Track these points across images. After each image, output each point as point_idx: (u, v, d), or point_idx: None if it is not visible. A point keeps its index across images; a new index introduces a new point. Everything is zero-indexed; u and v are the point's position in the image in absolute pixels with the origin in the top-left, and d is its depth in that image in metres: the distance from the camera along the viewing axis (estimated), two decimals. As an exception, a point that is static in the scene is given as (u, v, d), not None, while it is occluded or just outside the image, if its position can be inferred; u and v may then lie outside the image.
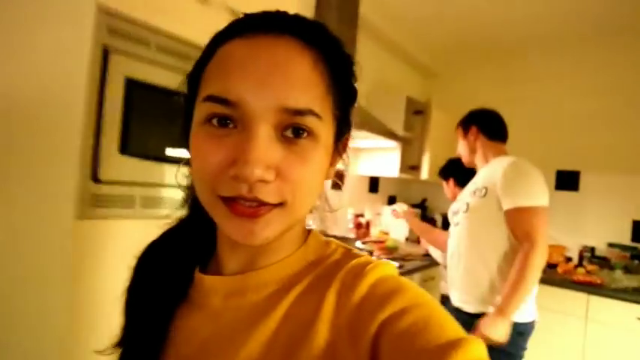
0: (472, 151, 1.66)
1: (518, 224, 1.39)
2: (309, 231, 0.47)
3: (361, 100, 2.63)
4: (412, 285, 0.37)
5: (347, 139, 0.44)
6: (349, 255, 0.43)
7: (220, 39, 0.37)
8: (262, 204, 0.34)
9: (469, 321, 1.42)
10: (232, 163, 0.33)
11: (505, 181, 1.41)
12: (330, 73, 0.37)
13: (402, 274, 2.06)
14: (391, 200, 3.31)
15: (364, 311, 0.35)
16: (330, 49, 0.38)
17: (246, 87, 0.33)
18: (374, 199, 3.09)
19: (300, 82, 0.34)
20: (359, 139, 2.33)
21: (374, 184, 3.10)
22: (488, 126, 1.65)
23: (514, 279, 1.34)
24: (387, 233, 2.79)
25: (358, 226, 2.69)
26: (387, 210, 2.78)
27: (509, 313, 1.33)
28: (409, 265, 2.22)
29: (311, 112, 0.35)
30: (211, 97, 0.35)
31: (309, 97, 0.35)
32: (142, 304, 0.46)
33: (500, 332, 1.33)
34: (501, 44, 3.04)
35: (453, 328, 0.32)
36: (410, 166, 2.88)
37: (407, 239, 2.84)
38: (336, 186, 0.46)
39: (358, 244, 2.31)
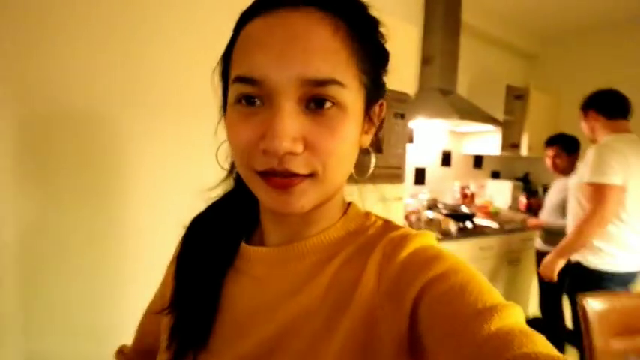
0: (592, 131, 1.89)
1: (585, 196, 1.79)
2: (350, 203, 0.48)
3: (463, 91, 3.09)
4: (451, 254, 0.38)
5: (381, 106, 0.44)
6: (389, 226, 0.44)
7: (243, 20, 0.38)
8: (294, 175, 0.35)
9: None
10: (261, 138, 0.34)
11: (586, 160, 1.79)
12: (353, 38, 0.36)
13: (503, 233, 2.57)
14: (494, 175, 3.74)
15: (405, 277, 0.36)
16: (351, 14, 0.37)
17: (267, 63, 0.33)
18: (478, 174, 3.58)
19: (319, 51, 0.34)
20: (463, 126, 2.82)
21: (478, 161, 3.58)
22: (604, 106, 1.82)
23: (567, 235, 1.86)
24: (490, 202, 3.29)
25: (464, 196, 3.25)
26: (491, 184, 3.29)
27: (557, 256, 1.87)
28: (508, 226, 2.72)
29: (334, 81, 0.34)
30: (238, 78, 0.35)
31: (331, 65, 0.34)
32: (193, 271, 0.47)
33: (548, 268, 1.90)
34: (608, 22, 3.17)
35: (491, 294, 0.32)
36: (511, 144, 3.27)
37: (509, 207, 3.29)
38: (370, 152, 0.45)
39: (463, 208, 2.85)
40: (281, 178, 0.35)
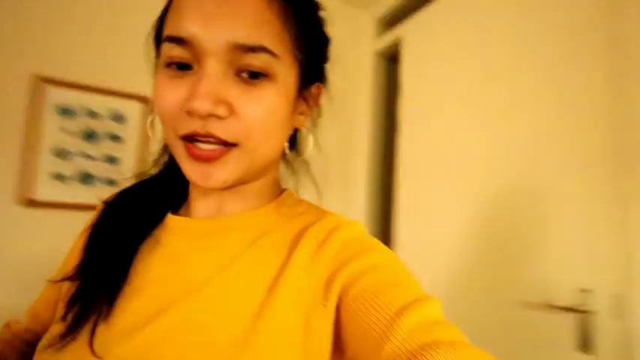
0: None
1: None
2: (285, 189, 0.48)
3: None
4: (380, 245, 0.39)
5: (318, 90, 0.44)
6: (323, 213, 0.44)
7: None
8: (218, 142, 0.35)
9: None
10: (187, 100, 0.34)
11: None
12: (288, 12, 0.36)
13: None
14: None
15: (334, 266, 0.36)
16: None
17: (196, 23, 0.33)
18: None
19: (251, 18, 0.34)
20: None
21: None
22: None
23: None
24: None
25: None
26: None
27: None
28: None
29: (263, 49, 0.34)
30: (168, 38, 0.35)
31: (262, 34, 0.34)
32: (107, 238, 0.44)
33: None
34: None
35: (412, 288, 0.33)
36: None
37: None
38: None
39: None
40: (203, 150, 0.35)
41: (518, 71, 1.20)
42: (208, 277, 0.38)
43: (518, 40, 1.21)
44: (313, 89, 0.44)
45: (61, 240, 0.65)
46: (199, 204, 0.45)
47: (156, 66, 0.41)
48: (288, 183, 0.49)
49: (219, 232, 0.42)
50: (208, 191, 0.43)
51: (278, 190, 0.48)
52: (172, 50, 0.35)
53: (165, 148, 0.50)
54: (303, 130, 0.46)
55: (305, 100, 0.43)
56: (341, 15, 2.06)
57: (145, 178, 0.50)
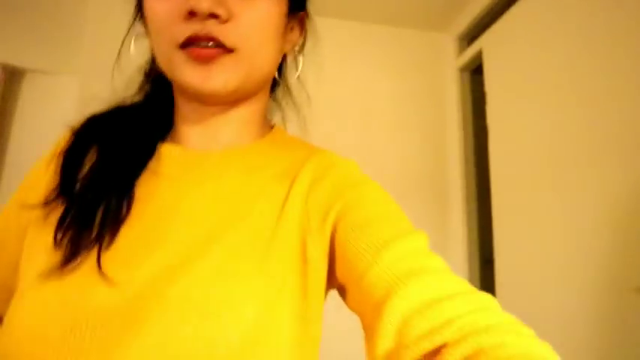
0: None
1: None
2: (274, 126, 0.49)
3: None
4: (373, 181, 0.41)
5: (303, 20, 0.47)
6: (316, 148, 0.45)
7: None
8: (216, 45, 0.35)
9: None
10: (185, 2, 0.34)
11: None
12: None
13: None
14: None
15: (330, 199, 0.38)
16: None
17: None
18: None
19: None
20: None
21: None
22: None
23: None
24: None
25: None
26: None
27: None
28: None
29: None
30: None
31: None
32: (102, 165, 0.40)
33: None
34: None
35: (402, 223, 0.35)
36: None
37: None
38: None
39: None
40: (203, 48, 0.35)
41: (601, 63, 1.21)
42: (218, 211, 0.38)
43: (599, 35, 1.23)
44: (300, 17, 0.46)
45: None
46: (192, 131, 0.43)
47: None
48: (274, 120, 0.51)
49: (215, 163, 0.41)
50: (202, 116, 0.42)
51: (268, 125, 0.48)
52: None
53: (148, 77, 0.48)
54: (289, 59, 0.48)
55: (292, 28, 0.45)
56: (424, 40, 2.22)
57: (124, 105, 0.47)
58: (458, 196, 1.99)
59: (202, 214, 0.37)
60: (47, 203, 0.38)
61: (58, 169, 0.40)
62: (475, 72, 2.04)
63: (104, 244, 0.35)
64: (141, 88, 0.48)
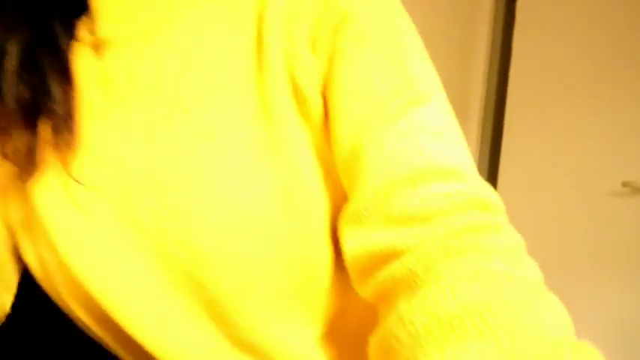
0: None
1: None
2: None
3: None
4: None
5: None
6: None
7: None
8: None
9: None
10: None
11: None
12: None
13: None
14: None
15: (316, 23, 0.28)
16: None
17: None
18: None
19: None
20: None
21: None
22: None
23: None
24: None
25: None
26: None
27: None
28: None
29: None
30: None
31: None
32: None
33: None
34: None
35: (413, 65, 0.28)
36: None
37: None
38: None
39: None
40: None
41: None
42: (178, 75, 0.29)
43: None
44: None
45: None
46: None
47: None
48: None
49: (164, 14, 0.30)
50: None
51: None
52: None
53: None
54: None
55: None
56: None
57: None
58: (475, 116, 2.13)
59: (172, 88, 0.30)
60: None
61: None
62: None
63: (60, 140, 0.29)
64: None
